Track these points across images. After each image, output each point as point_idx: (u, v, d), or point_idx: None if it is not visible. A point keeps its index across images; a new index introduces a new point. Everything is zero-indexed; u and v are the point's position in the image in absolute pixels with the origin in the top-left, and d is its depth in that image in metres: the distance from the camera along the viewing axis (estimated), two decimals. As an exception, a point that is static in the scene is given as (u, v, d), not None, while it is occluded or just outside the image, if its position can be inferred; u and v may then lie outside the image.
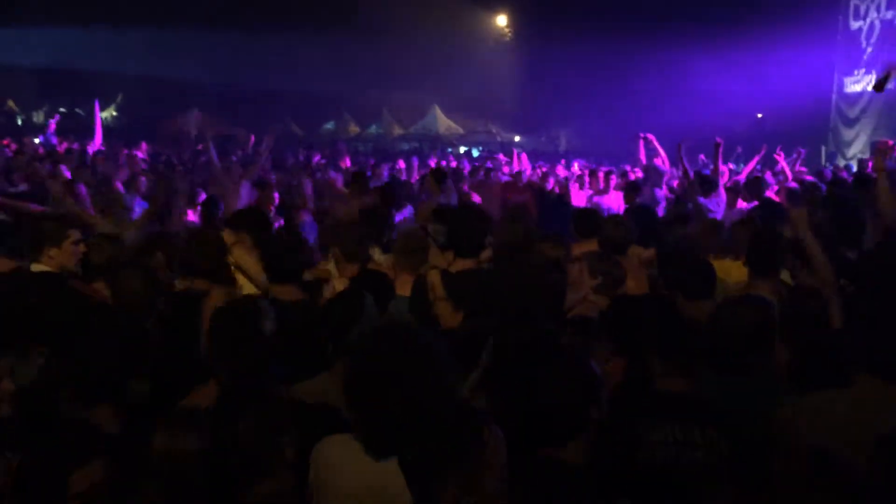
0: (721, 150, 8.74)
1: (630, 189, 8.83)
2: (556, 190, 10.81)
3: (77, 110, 32.60)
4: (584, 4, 24.63)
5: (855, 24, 20.47)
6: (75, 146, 14.94)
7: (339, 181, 9.32)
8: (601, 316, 3.26)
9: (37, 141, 15.16)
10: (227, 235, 4.34)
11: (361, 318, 3.05)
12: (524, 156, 13.86)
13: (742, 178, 9.81)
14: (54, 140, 15.34)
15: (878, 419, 2.46)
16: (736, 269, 4.55)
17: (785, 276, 4.32)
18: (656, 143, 10.21)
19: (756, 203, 7.80)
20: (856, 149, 19.54)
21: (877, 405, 2.55)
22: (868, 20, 20.01)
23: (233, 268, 4.23)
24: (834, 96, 21.17)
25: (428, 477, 2.12)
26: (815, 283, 3.87)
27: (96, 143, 14.31)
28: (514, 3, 28.98)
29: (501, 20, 30.91)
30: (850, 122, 20.55)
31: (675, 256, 4.35)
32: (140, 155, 13.39)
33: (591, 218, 5.33)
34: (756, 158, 10.78)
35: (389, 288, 4.18)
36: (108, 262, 4.13)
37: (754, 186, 8.45)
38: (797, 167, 10.71)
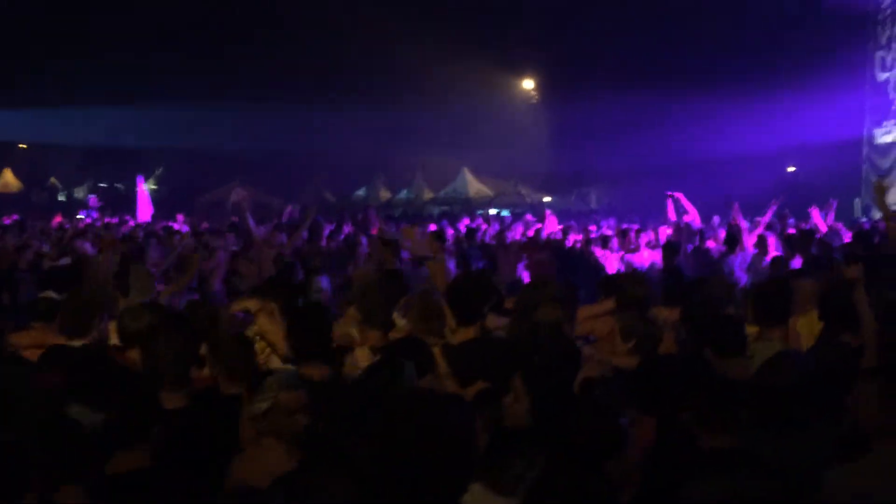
0: (737, 206, 8.65)
1: (668, 249, 8.68)
2: (578, 247, 10.67)
3: (117, 185, 33.60)
4: (610, 66, 24.97)
5: (882, 76, 20.46)
6: (114, 220, 15.36)
7: (363, 243, 9.36)
8: (631, 376, 3.22)
9: (80, 217, 15.65)
10: (254, 303, 4.35)
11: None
12: (552, 217, 13.85)
13: (760, 231, 9.52)
14: (95, 214, 15.83)
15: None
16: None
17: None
18: (685, 201, 10.18)
19: (800, 260, 7.67)
20: (891, 199, 19.24)
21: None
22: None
23: (256, 336, 4.17)
24: (865, 148, 21.03)
25: None
26: (857, 339, 3.83)
27: (141, 217, 14.64)
28: (541, 67, 29.48)
29: (528, 83, 31.42)
30: (883, 173, 20.32)
31: (704, 313, 4.30)
32: (176, 226, 13.72)
33: (615, 277, 5.49)
34: (771, 211, 10.45)
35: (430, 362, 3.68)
36: (144, 330, 4.01)
37: (803, 242, 8.24)
38: (829, 219, 10.57)
